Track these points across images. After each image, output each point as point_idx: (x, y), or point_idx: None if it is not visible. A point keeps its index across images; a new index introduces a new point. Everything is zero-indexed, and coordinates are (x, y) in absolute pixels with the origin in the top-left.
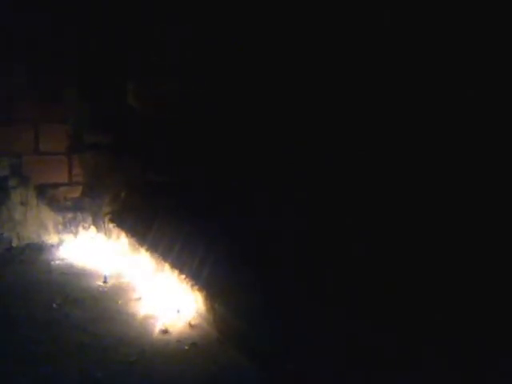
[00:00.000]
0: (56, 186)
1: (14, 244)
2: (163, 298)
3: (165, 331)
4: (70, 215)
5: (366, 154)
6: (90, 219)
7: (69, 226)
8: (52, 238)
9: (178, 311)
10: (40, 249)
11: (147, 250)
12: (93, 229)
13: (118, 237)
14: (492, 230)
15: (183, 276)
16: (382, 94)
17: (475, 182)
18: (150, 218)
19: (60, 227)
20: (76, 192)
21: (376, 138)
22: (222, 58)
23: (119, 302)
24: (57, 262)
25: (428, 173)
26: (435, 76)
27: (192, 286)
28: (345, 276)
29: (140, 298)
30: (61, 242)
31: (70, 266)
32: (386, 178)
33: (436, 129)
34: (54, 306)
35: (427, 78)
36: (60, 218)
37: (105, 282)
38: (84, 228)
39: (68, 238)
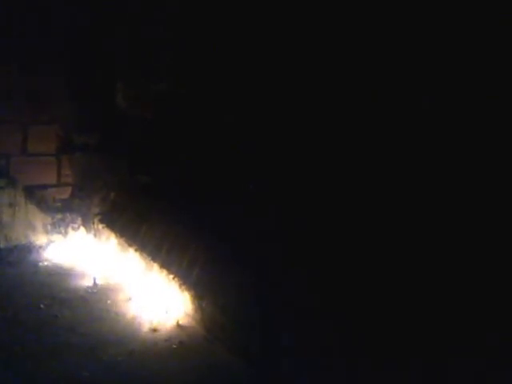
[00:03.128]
0: (45, 186)
1: (2, 245)
2: (152, 298)
3: (153, 331)
4: (58, 216)
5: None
6: (79, 220)
7: (58, 226)
8: (40, 239)
9: (167, 311)
10: (28, 250)
11: (136, 250)
12: (82, 230)
13: (108, 237)
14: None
15: (172, 276)
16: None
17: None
18: (139, 218)
19: (49, 228)
20: (65, 193)
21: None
22: (209, 60)
23: (108, 302)
24: (45, 263)
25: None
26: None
27: (180, 285)
28: (335, 276)
29: (129, 299)
30: (49, 243)
31: (59, 267)
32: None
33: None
34: (42, 306)
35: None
36: (49, 219)
37: (94, 282)
38: (73, 229)
39: (57, 238)
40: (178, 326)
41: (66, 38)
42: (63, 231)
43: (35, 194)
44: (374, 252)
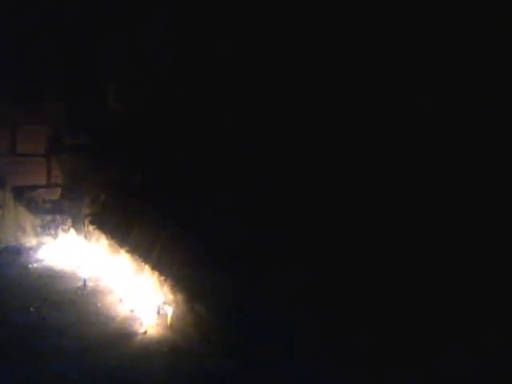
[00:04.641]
0: (34, 187)
1: None
2: (143, 300)
3: (144, 333)
4: (48, 217)
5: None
6: (69, 221)
7: (47, 228)
8: (30, 241)
9: (158, 313)
10: (18, 252)
11: (127, 251)
12: (72, 231)
13: (98, 239)
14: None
15: (163, 278)
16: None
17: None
18: (130, 219)
19: (38, 230)
20: (55, 194)
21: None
22: (209, 60)
23: (98, 304)
24: (35, 264)
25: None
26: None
27: (172, 287)
28: (324, 277)
29: (120, 301)
30: (39, 245)
31: (49, 269)
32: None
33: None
34: (32, 309)
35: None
36: (38, 221)
37: (84, 284)
38: (63, 230)
39: (47, 240)
40: (170, 328)
41: (63, 39)
42: (53, 233)
43: (24, 195)
44: (373, 252)
